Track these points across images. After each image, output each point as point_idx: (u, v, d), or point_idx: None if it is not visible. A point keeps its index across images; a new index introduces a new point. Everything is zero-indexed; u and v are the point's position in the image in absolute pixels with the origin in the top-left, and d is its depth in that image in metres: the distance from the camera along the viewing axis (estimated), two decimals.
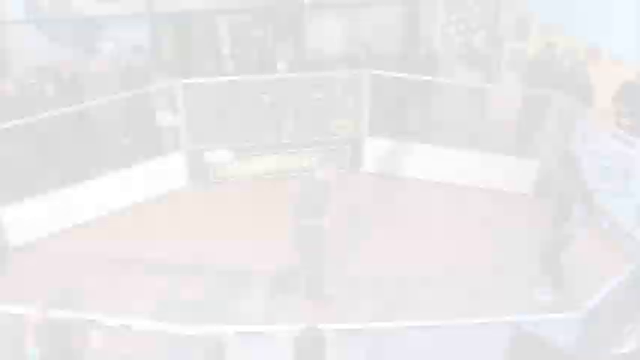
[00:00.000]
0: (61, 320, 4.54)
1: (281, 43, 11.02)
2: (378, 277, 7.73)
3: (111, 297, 7.25)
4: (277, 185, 9.52)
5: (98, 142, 9.15)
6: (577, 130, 8.49)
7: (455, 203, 9.23)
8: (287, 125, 9.62)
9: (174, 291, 7.45)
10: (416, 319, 6.38)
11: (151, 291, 7.43)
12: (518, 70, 10.59)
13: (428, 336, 4.89)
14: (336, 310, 7.04)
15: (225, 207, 9.12)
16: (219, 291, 7.51)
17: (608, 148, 7.99)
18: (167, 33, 11.49)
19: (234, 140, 9.37)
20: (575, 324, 4.86)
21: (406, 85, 10.26)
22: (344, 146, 9.74)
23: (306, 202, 6.86)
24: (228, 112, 9.31)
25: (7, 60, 9.33)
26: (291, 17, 10.50)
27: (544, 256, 7.18)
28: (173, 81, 8.74)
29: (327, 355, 4.37)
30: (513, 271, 7.72)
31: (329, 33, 10.66)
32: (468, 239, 8.48)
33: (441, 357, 4.93)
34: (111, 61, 9.63)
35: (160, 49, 9.82)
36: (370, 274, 7.77)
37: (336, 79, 9.40)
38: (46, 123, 8.21)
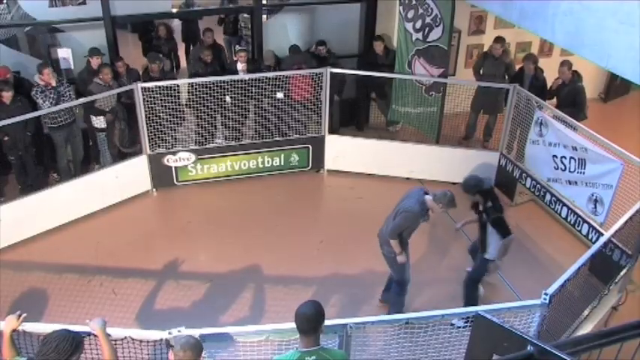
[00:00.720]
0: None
1: (240, 43, 11.06)
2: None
3: (77, 306, 7.19)
4: (240, 186, 9.56)
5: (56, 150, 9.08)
6: (534, 121, 8.66)
7: None
8: (248, 126, 9.64)
9: (144, 298, 7.39)
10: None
11: (121, 298, 7.38)
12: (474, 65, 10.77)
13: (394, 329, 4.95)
14: None
15: (189, 210, 9.09)
16: (192, 296, 7.47)
17: (564, 138, 8.17)
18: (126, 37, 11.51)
19: (195, 142, 9.36)
20: (537, 310, 4.98)
21: (366, 82, 10.40)
22: (305, 145, 9.77)
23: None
24: (189, 114, 9.30)
25: None
26: (250, 17, 10.49)
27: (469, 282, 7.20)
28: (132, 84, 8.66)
29: None
30: None
31: (288, 32, 10.69)
32: (434, 236, 8.62)
33: (409, 349, 5.01)
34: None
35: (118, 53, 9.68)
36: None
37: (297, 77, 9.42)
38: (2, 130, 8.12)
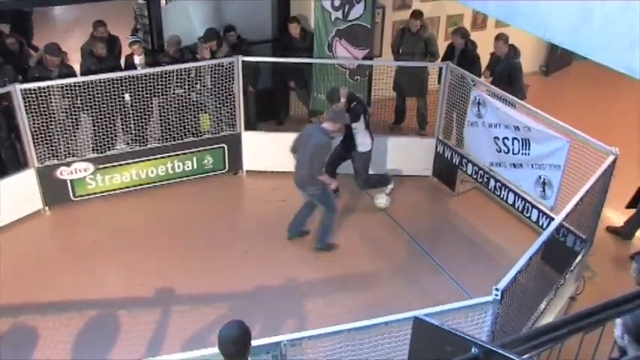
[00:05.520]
0: None
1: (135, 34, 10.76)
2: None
3: None
4: (149, 197, 9.33)
5: None
6: (471, 101, 8.75)
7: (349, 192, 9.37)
8: (153, 127, 9.41)
9: (41, 336, 7.04)
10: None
11: (9, 340, 6.99)
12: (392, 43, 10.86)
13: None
14: None
15: (93, 228, 8.79)
16: (100, 327, 7.21)
17: (505, 118, 8.28)
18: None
19: (93, 150, 9.06)
20: (488, 308, 4.99)
21: (283, 69, 10.33)
22: (220, 145, 9.64)
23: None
24: (82, 118, 9.00)
25: None
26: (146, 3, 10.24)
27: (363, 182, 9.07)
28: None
29: None
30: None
31: (191, 17, 10.50)
32: (366, 228, 8.62)
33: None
34: None
35: None
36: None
37: (204, 69, 9.26)
38: None
